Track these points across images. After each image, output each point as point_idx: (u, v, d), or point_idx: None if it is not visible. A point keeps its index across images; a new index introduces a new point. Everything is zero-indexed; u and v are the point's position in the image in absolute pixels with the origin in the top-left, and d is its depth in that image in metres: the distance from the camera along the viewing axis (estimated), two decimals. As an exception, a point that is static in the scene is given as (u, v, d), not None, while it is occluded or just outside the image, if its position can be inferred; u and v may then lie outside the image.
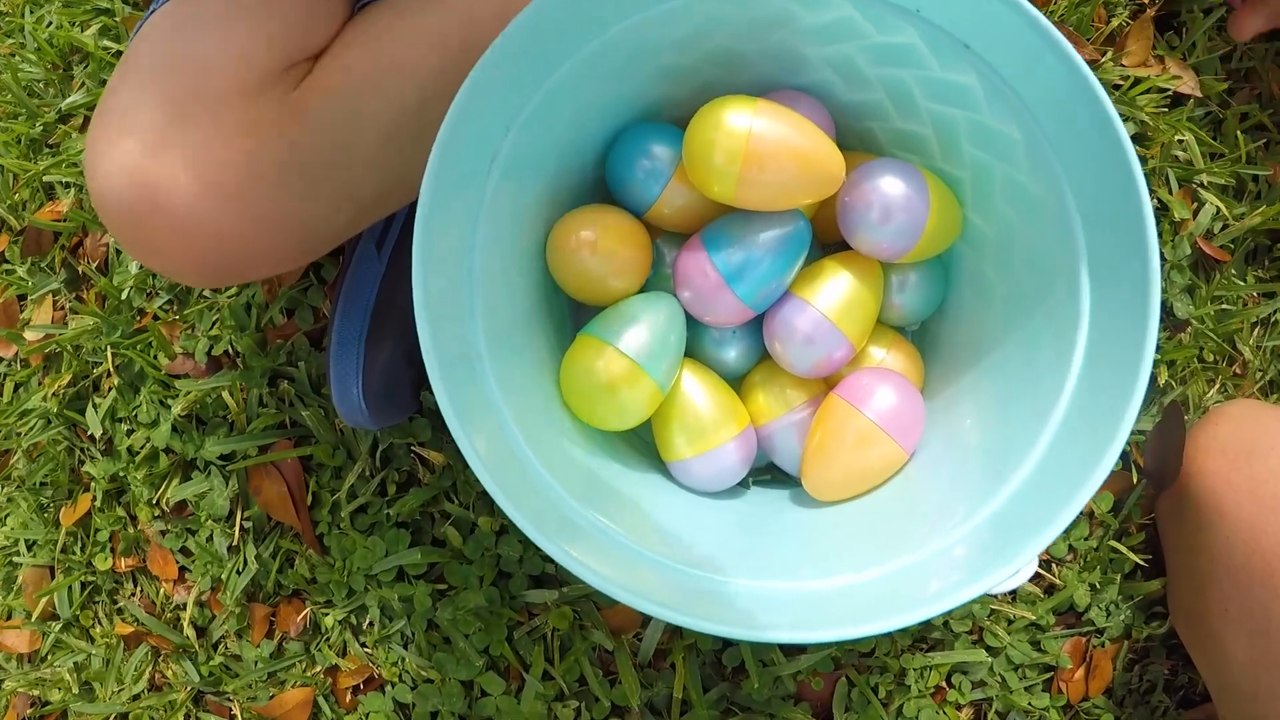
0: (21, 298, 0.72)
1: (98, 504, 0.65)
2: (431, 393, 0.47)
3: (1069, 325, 0.40)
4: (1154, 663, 0.61)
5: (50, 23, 0.78)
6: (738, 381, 0.49)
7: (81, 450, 0.66)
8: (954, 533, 0.38)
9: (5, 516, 0.68)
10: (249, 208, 0.40)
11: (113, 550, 0.64)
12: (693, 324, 0.46)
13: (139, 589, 0.64)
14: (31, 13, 0.80)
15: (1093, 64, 0.71)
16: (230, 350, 0.61)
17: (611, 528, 0.36)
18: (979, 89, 0.42)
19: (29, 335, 0.69)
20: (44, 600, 0.64)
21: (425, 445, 0.56)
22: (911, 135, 0.46)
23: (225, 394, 0.59)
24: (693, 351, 0.48)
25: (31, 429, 0.68)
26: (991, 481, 0.39)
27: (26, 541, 0.67)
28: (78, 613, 0.64)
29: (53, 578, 0.66)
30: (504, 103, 0.38)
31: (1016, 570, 0.33)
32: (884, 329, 0.49)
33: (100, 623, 0.64)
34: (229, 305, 0.60)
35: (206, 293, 0.62)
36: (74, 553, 0.65)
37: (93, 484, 0.65)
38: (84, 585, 0.65)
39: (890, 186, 0.42)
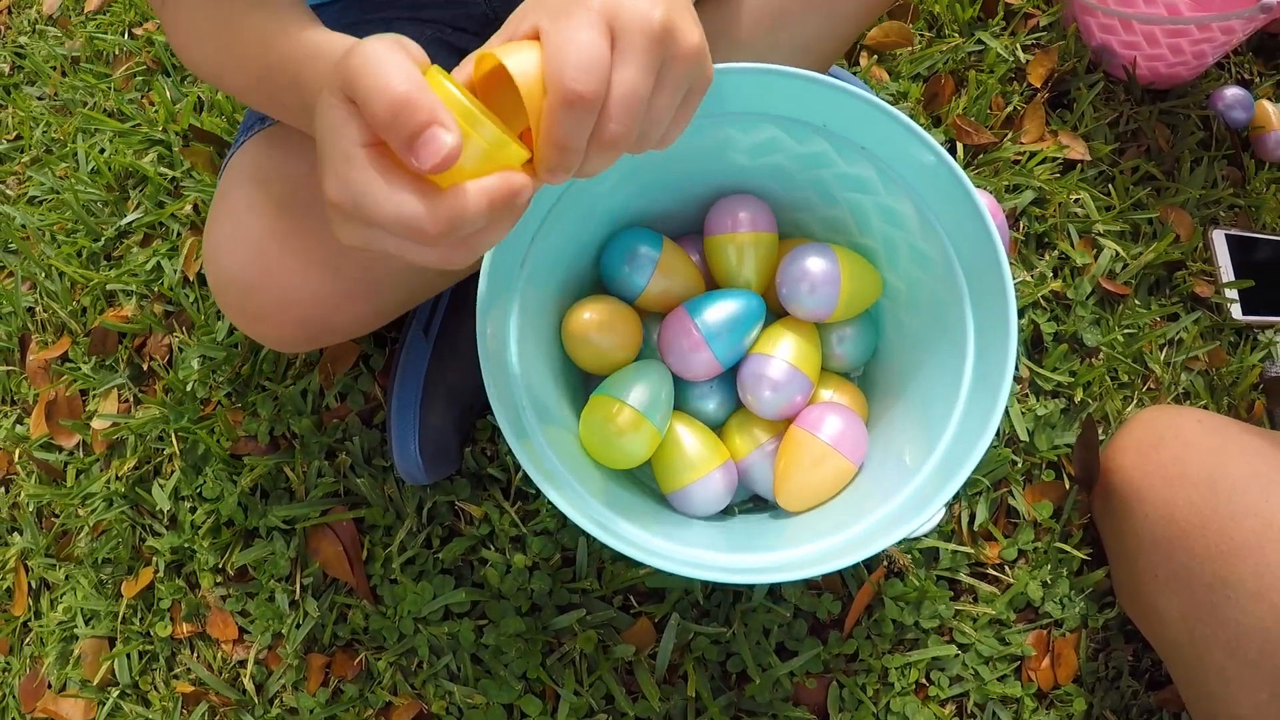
0: (83, 393, 0.91)
1: (160, 575, 0.82)
2: (470, 451, 0.66)
3: (962, 349, 0.61)
4: (1116, 649, 0.80)
5: (104, 150, 1.00)
6: (718, 428, 0.69)
7: (144, 527, 0.84)
8: (889, 504, 0.58)
9: (63, 594, 0.85)
10: (342, 283, 0.60)
11: (173, 618, 0.82)
12: (679, 384, 0.67)
13: (196, 653, 0.81)
14: (84, 139, 1.02)
15: (993, 145, 0.95)
16: (288, 431, 0.80)
17: (632, 527, 0.56)
18: (877, 179, 0.64)
19: (96, 424, 0.88)
20: (104, 667, 0.81)
21: (465, 501, 0.76)
22: (834, 219, 0.68)
23: (286, 468, 0.78)
24: (680, 405, 0.68)
25: (94, 510, 0.86)
26: (914, 468, 0.59)
27: (85, 614, 0.84)
28: (136, 678, 0.81)
29: (111, 648, 0.83)
30: (528, 221, 0.59)
31: (925, 521, 0.54)
32: (831, 375, 0.70)
33: (158, 688, 0.81)
34: (286, 393, 0.80)
35: (265, 383, 0.81)
36: (133, 623, 0.83)
37: (154, 557, 0.83)
38: (142, 654, 0.82)
39: (813, 265, 0.64)
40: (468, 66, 0.42)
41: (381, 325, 0.66)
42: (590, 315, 0.64)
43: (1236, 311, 0.94)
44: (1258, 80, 1.14)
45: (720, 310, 0.64)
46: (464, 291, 0.73)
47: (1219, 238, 0.98)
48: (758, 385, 0.65)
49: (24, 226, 1.04)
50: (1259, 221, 1.02)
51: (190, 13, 0.58)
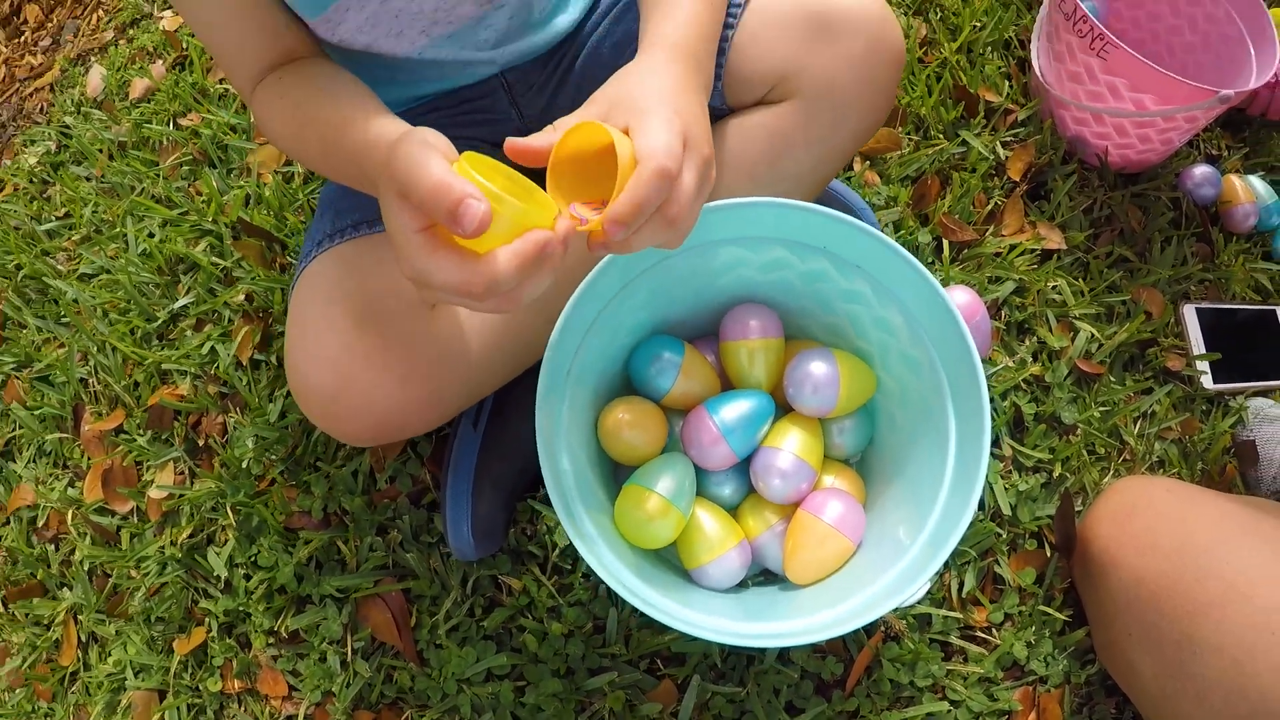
0: (138, 463, 1.01)
1: (212, 635, 0.91)
2: (513, 531, 0.76)
3: (945, 439, 0.71)
4: (1098, 703, 0.89)
5: (153, 234, 1.10)
6: (733, 510, 0.79)
7: (197, 590, 0.94)
8: (885, 577, 0.68)
9: (113, 647, 0.94)
10: (412, 391, 0.70)
11: (223, 675, 0.91)
12: (699, 472, 0.76)
13: (245, 708, 0.90)
14: (134, 223, 1.12)
15: (975, 242, 1.05)
16: (340, 508, 0.90)
17: (660, 597, 0.66)
18: (871, 293, 0.74)
19: (153, 494, 0.98)
20: (155, 718, 0.89)
21: (507, 574, 0.85)
22: (833, 325, 0.78)
23: (340, 542, 0.88)
24: (700, 491, 0.78)
25: (148, 573, 0.95)
26: (907, 544, 0.69)
27: (135, 667, 0.92)
28: (185, 728, 0.90)
29: (161, 701, 0.91)
30: (574, 334, 0.69)
31: (917, 590, 0.64)
32: (833, 462, 0.80)
33: (205, 738, 0.90)
34: (339, 474, 0.90)
35: (318, 463, 0.91)
36: (184, 677, 0.92)
37: (207, 618, 0.92)
38: (190, 706, 0.91)
39: (815, 369, 0.74)
40: (555, 134, 0.55)
41: (444, 423, 0.76)
42: (623, 415, 0.74)
43: (1207, 381, 1.04)
44: (1226, 154, 1.26)
45: (735, 409, 0.74)
46: (505, 393, 0.84)
47: (1189, 312, 1.08)
48: (769, 475, 0.75)
49: (75, 301, 1.14)
50: (1228, 292, 1.13)
51: (272, 97, 0.72)
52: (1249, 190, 1.17)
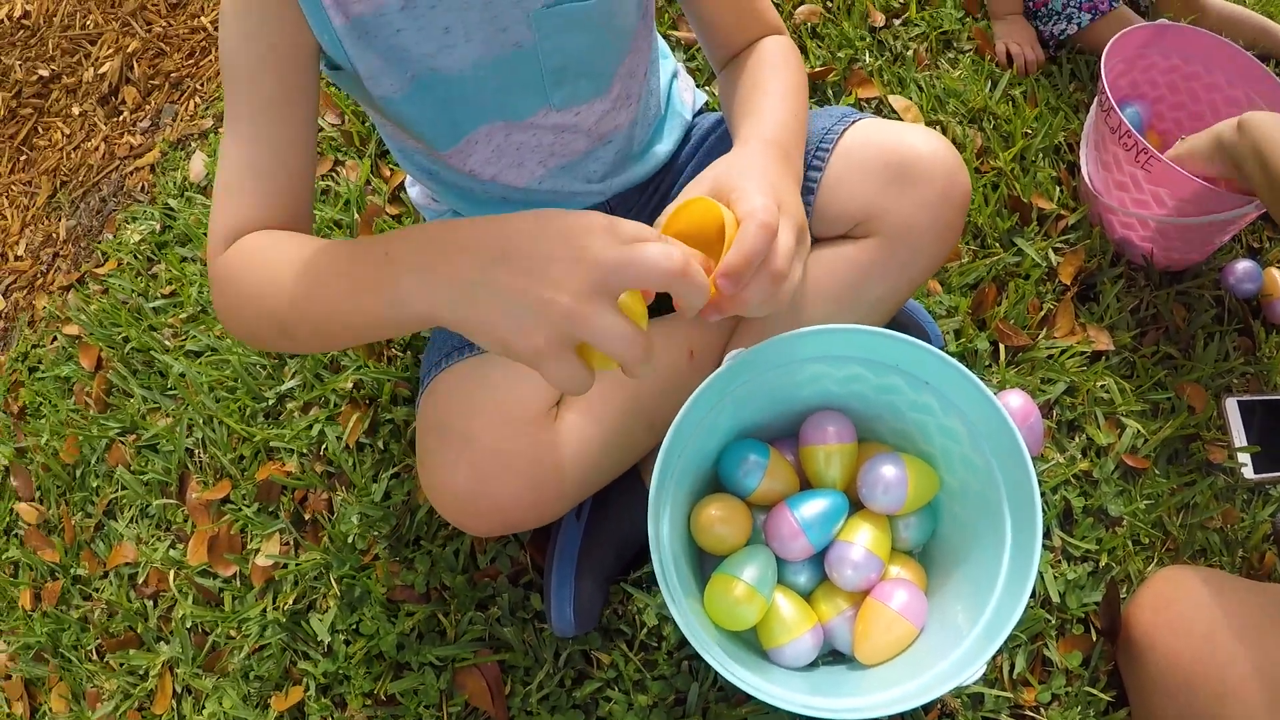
0: (242, 530, 1.11)
1: (310, 694, 1.01)
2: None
3: (1000, 536, 0.80)
4: None
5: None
6: (808, 596, 0.88)
7: (296, 652, 1.03)
8: (945, 660, 0.77)
9: (208, 700, 1.04)
10: (539, 492, 0.81)
11: (320, 731, 1.00)
12: (778, 562, 0.86)
13: (338, 764, 0.99)
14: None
15: (1029, 346, 1.15)
16: (440, 584, 1.00)
17: (743, 671, 0.75)
18: (937, 405, 0.84)
19: (260, 561, 1.08)
20: None
21: (597, 649, 0.95)
22: (902, 431, 0.88)
23: (440, 615, 0.98)
24: (779, 579, 0.87)
25: (249, 634, 1.05)
26: (964, 632, 0.78)
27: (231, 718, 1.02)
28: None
29: None
30: (678, 444, 0.79)
31: (973, 672, 0.72)
32: (898, 554, 0.89)
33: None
34: (440, 552, 1.00)
35: (421, 541, 1.01)
36: (279, 732, 1.01)
37: (305, 678, 1.02)
38: (286, 760, 1.00)
39: (886, 471, 0.84)
40: (670, 210, 0.65)
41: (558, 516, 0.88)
42: (714, 511, 0.85)
43: (1248, 472, 1.13)
44: (1267, 246, 1.35)
45: (814, 506, 0.84)
46: (605, 490, 0.94)
47: (1231, 405, 1.17)
48: (842, 566, 0.84)
49: (183, 376, 1.25)
50: (1270, 383, 1.21)
51: (262, 242, 0.70)
52: (1290, 283, 1.26)
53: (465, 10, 0.75)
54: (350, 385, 1.15)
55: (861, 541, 0.84)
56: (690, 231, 0.65)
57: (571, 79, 0.85)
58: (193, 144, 1.57)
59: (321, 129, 1.44)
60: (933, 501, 0.90)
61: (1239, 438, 1.15)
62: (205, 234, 1.37)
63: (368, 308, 0.58)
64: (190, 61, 1.75)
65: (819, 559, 0.88)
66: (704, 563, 0.90)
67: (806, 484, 0.91)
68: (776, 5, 1.58)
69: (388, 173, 1.38)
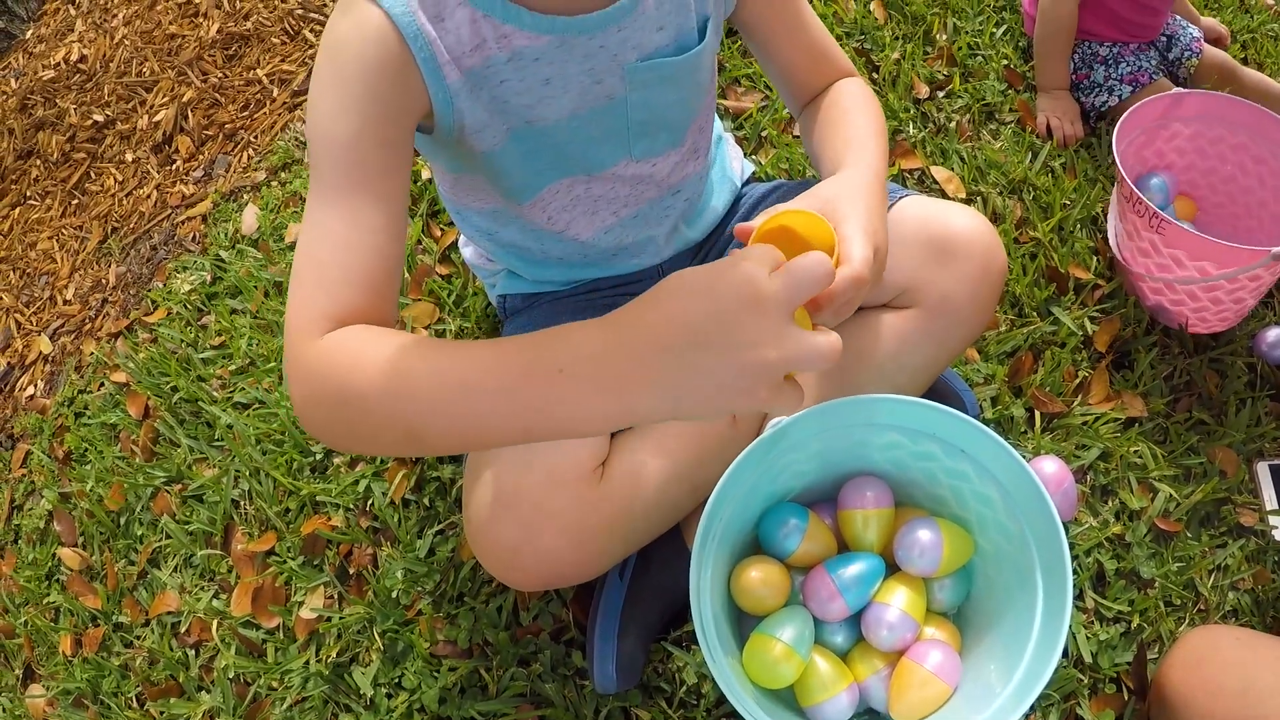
0: (287, 583, 1.17)
1: (352, 746, 1.06)
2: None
3: (1033, 598, 0.84)
4: None
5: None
6: (844, 655, 0.93)
7: (339, 704, 1.08)
8: (978, 718, 0.81)
9: None
10: (584, 549, 0.86)
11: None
12: (816, 622, 0.91)
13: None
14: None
15: (1064, 413, 1.20)
16: (483, 640, 1.05)
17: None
18: (972, 472, 0.89)
19: (304, 614, 1.13)
20: None
21: (637, 706, 1.00)
22: (938, 496, 0.93)
23: (482, 670, 1.03)
24: (817, 639, 0.92)
25: (291, 686, 1.10)
26: (997, 691, 0.82)
27: None
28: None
29: None
30: (718, 507, 0.85)
31: None
32: (934, 615, 0.94)
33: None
34: (484, 609, 1.05)
35: (465, 597, 1.07)
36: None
37: (346, 730, 1.07)
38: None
39: (922, 536, 0.89)
40: (761, 218, 0.71)
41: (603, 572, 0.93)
42: (754, 574, 0.90)
43: (1279, 534, 1.17)
44: (1300, 313, 1.39)
45: (851, 569, 0.89)
46: (648, 549, 0.99)
47: (1263, 469, 1.21)
48: (878, 627, 0.89)
49: (231, 428, 1.32)
50: (1301, 447, 1.26)
51: (367, 335, 0.65)
52: (1324, 347, 1.31)
53: (566, 63, 0.80)
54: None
55: (897, 603, 0.89)
56: (783, 235, 0.71)
57: (653, 131, 0.91)
58: (245, 196, 1.65)
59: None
60: (967, 565, 0.95)
61: (1270, 500, 1.19)
62: (256, 286, 1.45)
63: (534, 426, 0.59)
64: (245, 114, 1.84)
65: (856, 619, 0.92)
66: (743, 622, 0.95)
67: (844, 547, 0.96)
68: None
69: (438, 233, 1.46)
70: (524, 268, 1.05)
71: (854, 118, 0.91)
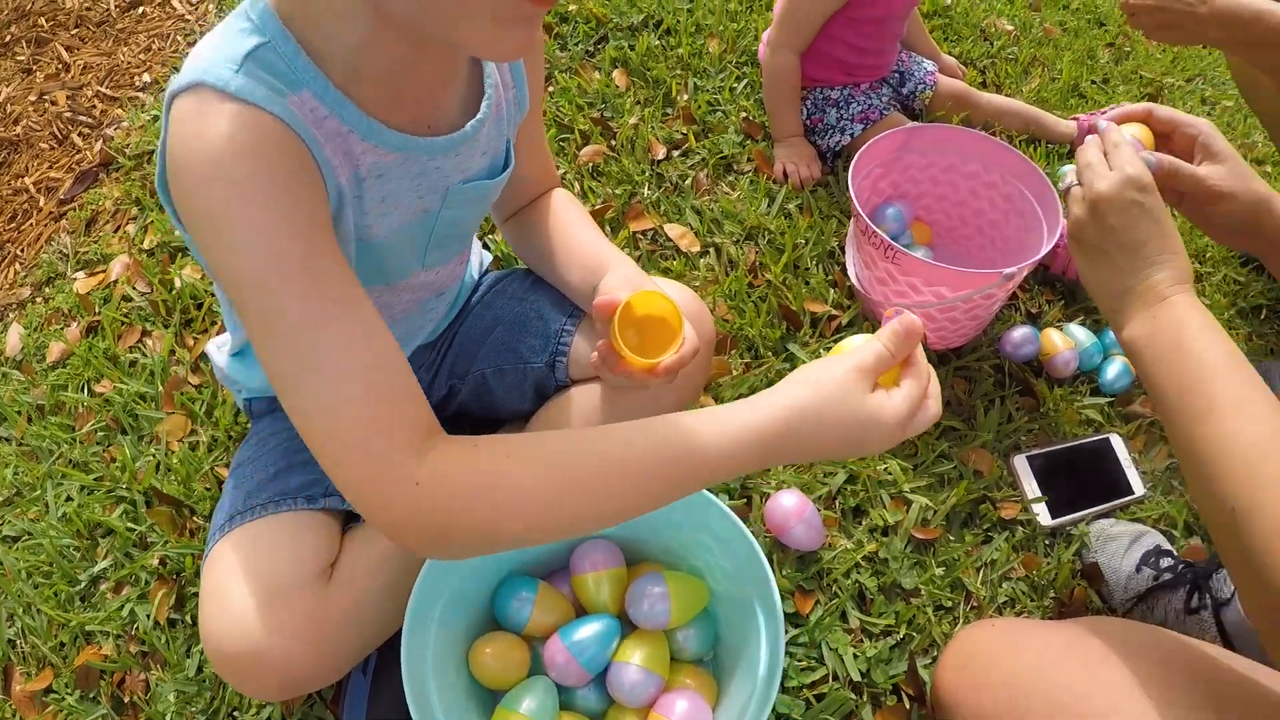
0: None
1: None
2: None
3: (758, 631, 0.90)
4: None
5: (71, 498, 1.27)
6: (601, 715, 0.96)
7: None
8: None
9: None
10: (318, 652, 0.87)
11: None
12: (562, 688, 0.94)
13: None
14: (53, 486, 1.29)
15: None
16: (255, 751, 1.05)
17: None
18: (684, 522, 0.94)
19: (82, 752, 1.12)
20: None
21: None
22: (667, 548, 0.99)
23: (256, 781, 1.03)
24: (567, 704, 0.96)
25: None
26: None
27: None
28: None
29: None
30: (435, 585, 0.87)
31: None
32: (684, 664, 0.98)
33: None
34: (253, 720, 1.06)
35: (234, 713, 1.07)
36: None
37: None
38: None
39: (649, 590, 0.94)
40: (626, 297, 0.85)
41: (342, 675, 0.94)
42: (488, 650, 0.93)
43: (1044, 519, 1.25)
44: (1046, 308, 1.49)
45: (583, 632, 0.93)
46: (391, 642, 1.01)
47: (1020, 461, 1.30)
48: (620, 686, 0.93)
49: (1, 564, 1.30)
50: (1058, 433, 1.34)
51: (491, 445, 0.70)
52: (1067, 338, 1.41)
53: (402, 179, 0.82)
54: (157, 561, 1.20)
55: (636, 660, 0.93)
56: (644, 314, 0.86)
57: (447, 242, 0.97)
58: (10, 315, 1.62)
59: (130, 298, 1.52)
60: (708, 610, 0.99)
61: (1030, 490, 1.27)
62: (19, 412, 1.43)
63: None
64: (11, 225, 1.80)
65: (603, 679, 0.96)
66: (497, 696, 0.97)
67: (583, 611, 1.00)
68: (563, 148, 1.73)
69: (190, 342, 1.46)
70: None
71: (588, 225, 1.06)
